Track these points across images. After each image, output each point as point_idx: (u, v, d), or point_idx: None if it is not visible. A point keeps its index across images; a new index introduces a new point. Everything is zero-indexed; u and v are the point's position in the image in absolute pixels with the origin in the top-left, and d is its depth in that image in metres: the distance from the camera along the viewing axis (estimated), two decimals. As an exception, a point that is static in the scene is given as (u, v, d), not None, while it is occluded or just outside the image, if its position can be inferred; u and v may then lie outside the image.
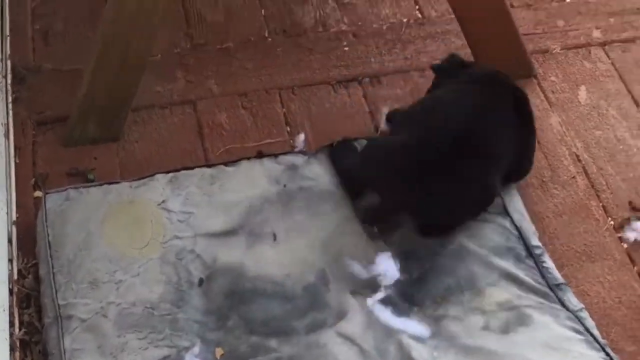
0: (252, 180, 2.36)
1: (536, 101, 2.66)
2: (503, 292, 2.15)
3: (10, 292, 2.18)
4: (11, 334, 2.10)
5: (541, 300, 2.14)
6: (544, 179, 2.47)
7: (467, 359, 2.03)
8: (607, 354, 2.04)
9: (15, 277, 2.23)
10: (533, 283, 2.17)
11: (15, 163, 2.49)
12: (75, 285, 2.13)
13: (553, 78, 2.74)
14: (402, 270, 2.18)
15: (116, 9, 2.41)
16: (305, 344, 2.07)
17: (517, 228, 2.26)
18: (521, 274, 2.19)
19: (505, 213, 2.30)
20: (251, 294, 2.14)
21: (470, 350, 2.04)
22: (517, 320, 2.10)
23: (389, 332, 2.08)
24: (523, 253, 2.23)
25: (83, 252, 2.18)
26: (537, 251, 2.23)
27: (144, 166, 2.48)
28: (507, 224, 2.27)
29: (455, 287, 2.16)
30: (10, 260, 2.25)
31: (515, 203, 2.33)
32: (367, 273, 2.18)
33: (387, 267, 2.17)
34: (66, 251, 2.19)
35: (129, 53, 2.44)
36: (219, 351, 2.05)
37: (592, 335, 2.08)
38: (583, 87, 2.71)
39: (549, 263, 2.22)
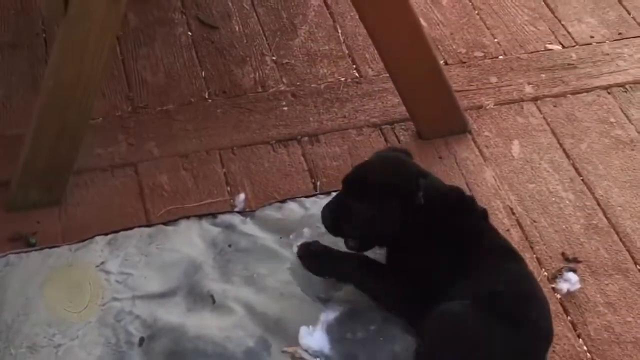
0: (190, 241, 2.39)
1: (471, 156, 2.73)
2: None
3: (-50, 358, 2.19)
4: (-50, 400, 2.11)
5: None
6: (479, 232, 2.52)
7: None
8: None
9: (-45, 343, 2.24)
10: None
11: (-43, 229, 2.51)
12: (14, 350, 2.14)
13: (487, 133, 2.81)
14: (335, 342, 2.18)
15: (55, 76, 2.45)
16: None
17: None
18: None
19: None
20: (192, 354, 2.15)
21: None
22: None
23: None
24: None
25: (22, 317, 2.19)
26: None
27: (86, 229, 2.49)
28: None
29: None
30: (-50, 326, 2.26)
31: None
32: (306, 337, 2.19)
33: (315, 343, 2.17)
34: (4, 317, 2.20)
35: (68, 119, 2.48)
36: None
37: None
38: (516, 142, 2.78)
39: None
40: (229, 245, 2.38)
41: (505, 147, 2.77)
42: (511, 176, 2.69)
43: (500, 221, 2.55)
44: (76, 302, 2.23)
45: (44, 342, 2.15)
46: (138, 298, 2.24)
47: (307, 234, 2.40)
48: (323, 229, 2.38)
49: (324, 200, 2.47)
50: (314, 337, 2.14)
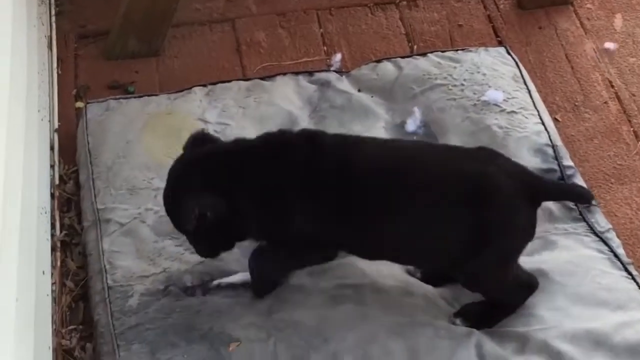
0: (286, 96, 2.40)
1: (571, 28, 2.69)
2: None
3: (52, 196, 2.25)
4: (52, 236, 2.17)
5: (568, 226, 2.15)
6: (576, 103, 2.50)
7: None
8: (629, 273, 2.07)
9: (57, 182, 2.30)
10: (562, 208, 2.18)
11: (58, 74, 2.55)
12: (113, 191, 2.19)
13: (589, 5, 2.75)
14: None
15: None
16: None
17: (553, 147, 2.27)
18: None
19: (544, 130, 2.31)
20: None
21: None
22: (542, 246, 2.11)
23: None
24: (557, 175, 2.23)
25: (122, 159, 2.24)
26: (570, 172, 2.25)
27: (183, 80, 2.52)
28: (544, 140, 2.28)
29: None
30: (52, 166, 2.32)
31: (548, 123, 2.35)
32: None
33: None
34: (105, 158, 2.25)
35: (169, -31, 2.49)
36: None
37: (615, 255, 2.10)
38: (619, 15, 2.72)
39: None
40: (323, 102, 2.38)
41: (608, 20, 2.71)
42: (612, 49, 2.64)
43: (599, 93, 2.52)
44: (174, 149, 2.22)
45: (143, 184, 2.20)
46: (236, 147, 2.26)
47: (417, 115, 2.36)
48: (417, 90, 2.39)
49: (420, 61, 2.47)
50: None
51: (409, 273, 2.03)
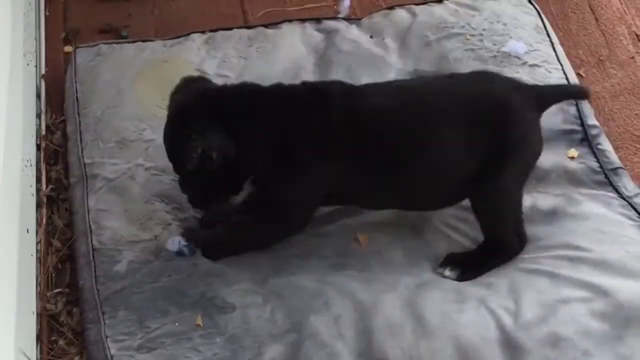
0: (291, 46, 2.25)
1: (597, -21, 2.53)
2: (552, 188, 2.01)
3: (38, 147, 2.10)
4: (38, 190, 2.03)
5: (592, 190, 2.01)
6: (601, 58, 2.35)
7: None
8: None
9: (43, 132, 2.15)
10: (586, 171, 2.04)
11: (46, 16, 2.41)
12: (102, 144, 2.04)
13: (615, -49, 2.59)
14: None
15: None
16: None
17: (577, 104, 2.12)
18: (574, 162, 2.05)
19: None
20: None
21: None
22: (565, 205, 1.97)
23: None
24: (579, 136, 2.09)
25: (112, 110, 2.09)
26: (594, 131, 2.10)
27: (181, 25, 2.38)
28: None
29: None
30: (39, 115, 2.17)
31: (572, 78, 2.20)
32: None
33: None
34: (94, 108, 2.10)
35: None
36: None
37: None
38: (647, -37, 2.56)
39: (605, 145, 2.08)
40: (330, 51, 2.24)
41: (636, -31, 2.55)
42: (639, 1, 2.47)
43: (625, 47, 2.36)
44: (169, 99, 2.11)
45: (134, 136, 2.04)
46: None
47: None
48: (432, 37, 2.25)
49: (436, 8, 2.32)
50: None
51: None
